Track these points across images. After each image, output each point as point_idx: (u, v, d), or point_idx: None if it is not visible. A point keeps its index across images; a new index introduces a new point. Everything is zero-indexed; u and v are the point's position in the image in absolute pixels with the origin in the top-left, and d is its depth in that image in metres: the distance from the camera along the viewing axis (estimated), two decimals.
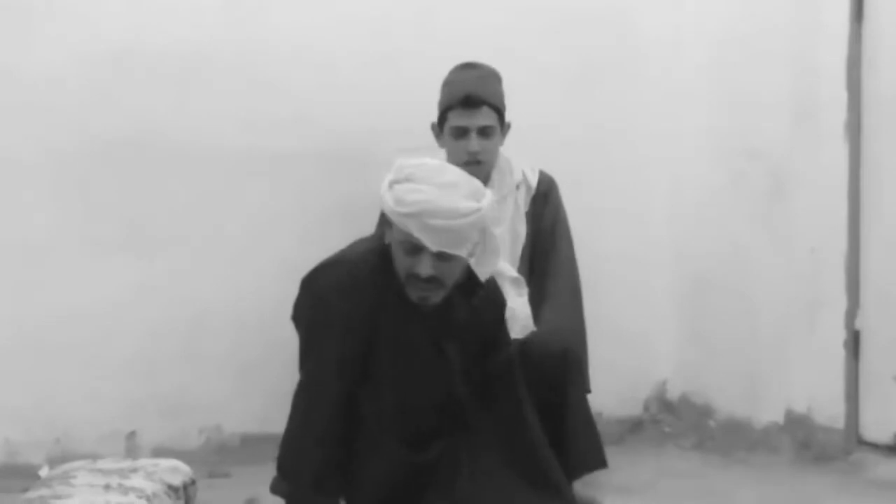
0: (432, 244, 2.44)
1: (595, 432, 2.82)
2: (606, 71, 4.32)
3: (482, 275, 2.71)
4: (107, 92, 3.68)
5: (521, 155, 3.51)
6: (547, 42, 4.20)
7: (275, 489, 2.56)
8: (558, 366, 2.69)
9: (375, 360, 2.55)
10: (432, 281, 2.51)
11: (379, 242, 2.64)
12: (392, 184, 2.49)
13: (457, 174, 2.56)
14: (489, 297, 2.80)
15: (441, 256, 2.48)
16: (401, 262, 2.53)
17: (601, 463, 2.81)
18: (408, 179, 2.48)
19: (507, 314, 3.01)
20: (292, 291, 2.69)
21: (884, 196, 3.76)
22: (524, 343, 2.79)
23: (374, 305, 2.52)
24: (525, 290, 3.35)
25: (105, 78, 3.68)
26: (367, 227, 3.27)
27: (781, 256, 4.03)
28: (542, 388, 2.66)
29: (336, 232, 3.39)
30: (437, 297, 2.54)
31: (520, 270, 3.43)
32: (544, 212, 3.54)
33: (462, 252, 2.50)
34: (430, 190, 2.45)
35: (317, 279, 2.56)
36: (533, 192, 3.55)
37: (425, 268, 2.48)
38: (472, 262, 2.62)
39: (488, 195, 2.54)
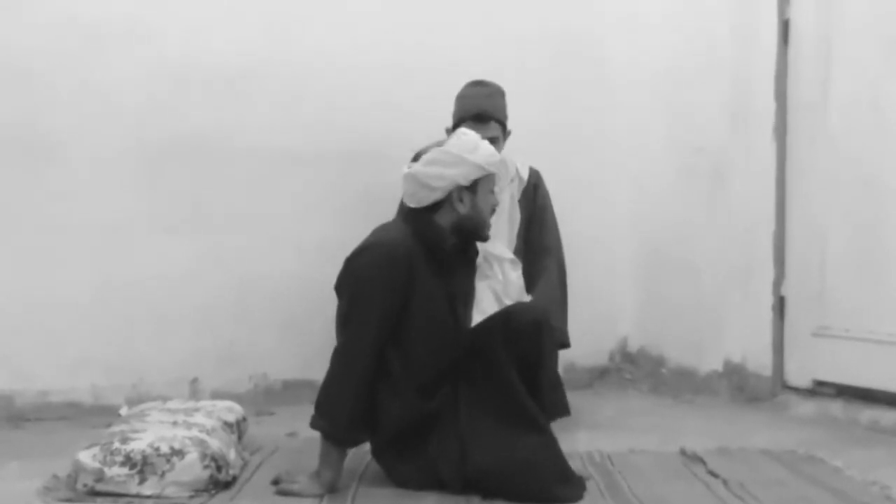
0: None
1: (561, 387, 2.80)
2: (582, 85, 4.31)
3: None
4: (170, 100, 3.67)
5: (514, 152, 3.52)
6: (534, 63, 4.17)
7: (313, 425, 2.54)
8: (535, 333, 2.67)
9: (408, 319, 2.54)
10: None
11: (406, 225, 2.63)
12: (473, 152, 2.57)
13: None
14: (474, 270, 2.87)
15: None
16: (486, 203, 2.64)
17: (566, 411, 2.82)
18: (476, 147, 2.59)
19: (504, 287, 3.12)
20: (325, 262, 2.70)
21: (804, 186, 3.76)
22: (509, 312, 2.77)
23: (407, 277, 2.51)
24: (519, 267, 3.39)
25: (169, 89, 3.66)
26: (384, 211, 3.26)
27: (722, 234, 4.03)
28: (521, 349, 2.64)
29: (358, 215, 3.46)
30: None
31: (516, 246, 3.46)
32: (535, 200, 3.56)
33: None
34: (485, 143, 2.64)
35: (358, 259, 2.54)
36: (524, 184, 3.56)
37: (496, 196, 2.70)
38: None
39: None
